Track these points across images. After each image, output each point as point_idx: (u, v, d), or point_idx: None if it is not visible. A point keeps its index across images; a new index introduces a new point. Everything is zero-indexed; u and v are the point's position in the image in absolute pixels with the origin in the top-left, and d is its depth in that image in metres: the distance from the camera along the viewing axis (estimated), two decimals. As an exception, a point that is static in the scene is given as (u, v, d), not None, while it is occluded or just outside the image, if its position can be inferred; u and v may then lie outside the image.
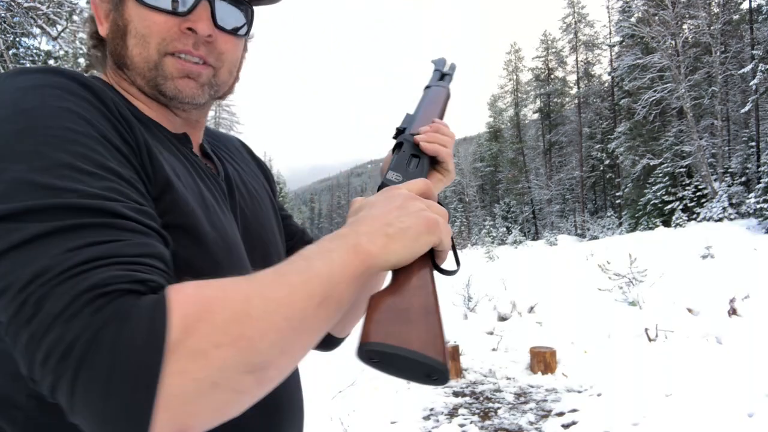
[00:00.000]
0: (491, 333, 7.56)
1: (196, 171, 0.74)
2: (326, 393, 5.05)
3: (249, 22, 0.78)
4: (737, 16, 28.81)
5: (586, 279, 9.97)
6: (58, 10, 10.16)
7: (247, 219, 0.82)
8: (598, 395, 4.93)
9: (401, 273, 0.66)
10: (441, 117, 0.98)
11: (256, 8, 0.80)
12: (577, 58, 46.16)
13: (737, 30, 28.85)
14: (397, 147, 0.90)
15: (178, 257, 0.60)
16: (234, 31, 0.75)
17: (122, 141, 0.59)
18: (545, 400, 5.09)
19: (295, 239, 0.99)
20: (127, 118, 0.62)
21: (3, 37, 9.61)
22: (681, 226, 21.68)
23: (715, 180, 25.00)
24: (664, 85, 27.87)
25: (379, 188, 0.79)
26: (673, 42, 27.00)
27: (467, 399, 5.30)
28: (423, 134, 0.88)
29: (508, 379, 5.89)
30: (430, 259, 0.70)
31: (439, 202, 0.83)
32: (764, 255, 11.04)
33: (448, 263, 0.76)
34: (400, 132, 0.93)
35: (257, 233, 0.83)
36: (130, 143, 0.60)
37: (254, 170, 0.96)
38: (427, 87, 1.05)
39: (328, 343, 0.97)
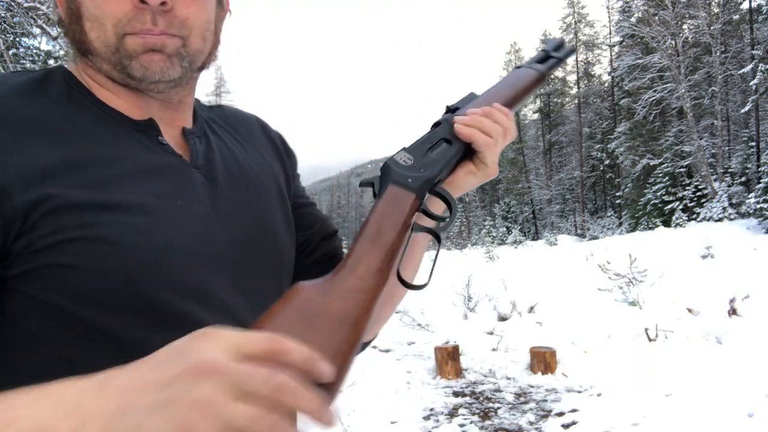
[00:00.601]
0: (491, 333, 7.55)
1: (155, 161, 0.66)
2: (326, 393, 5.04)
3: None
4: (737, 16, 28.80)
5: (586, 279, 9.96)
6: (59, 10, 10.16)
7: (236, 206, 0.72)
8: (598, 395, 4.94)
9: (345, 266, 0.58)
10: (512, 103, 0.85)
11: None
12: (577, 58, 46.12)
13: (737, 30, 28.84)
14: (434, 127, 0.80)
15: (84, 270, 0.57)
16: None
17: None
18: (545, 400, 5.09)
19: (314, 229, 0.90)
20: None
21: (3, 37, 9.61)
22: (681, 226, 21.66)
23: (715, 180, 24.99)
24: (664, 85, 27.85)
25: (381, 170, 0.71)
26: (673, 42, 26.98)
27: (467, 399, 5.30)
28: (465, 116, 0.77)
29: (508, 379, 5.88)
30: (398, 261, 0.63)
31: (449, 205, 0.74)
32: (764, 255, 11.04)
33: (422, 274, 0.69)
34: (449, 111, 0.81)
35: (245, 220, 0.73)
36: None
37: (264, 152, 0.86)
38: (518, 67, 0.92)
39: None
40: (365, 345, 0.90)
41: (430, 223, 0.74)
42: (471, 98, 0.84)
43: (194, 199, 0.68)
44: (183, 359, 0.40)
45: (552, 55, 0.96)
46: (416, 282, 0.72)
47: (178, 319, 0.60)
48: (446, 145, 0.77)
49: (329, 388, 0.45)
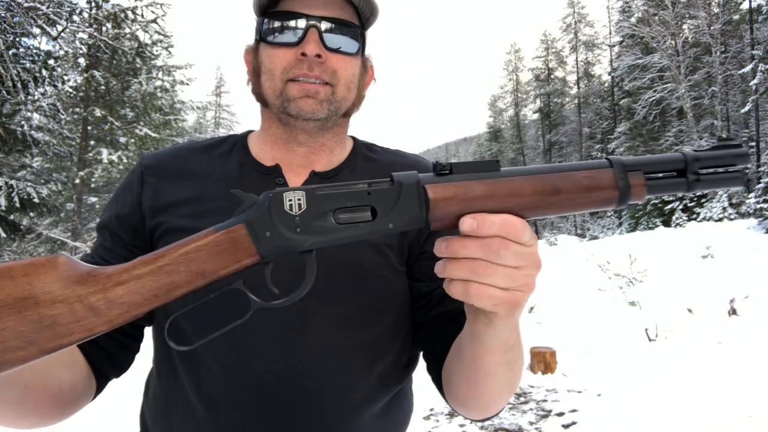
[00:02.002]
0: (491, 333, 7.55)
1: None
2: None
3: (360, 42, 0.86)
4: (737, 16, 28.79)
5: (586, 279, 9.96)
6: (58, 10, 10.17)
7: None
8: (598, 395, 4.93)
9: (108, 276, 0.49)
10: (539, 209, 0.55)
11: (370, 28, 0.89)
12: (577, 58, 46.15)
13: (737, 30, 28.83)
14: (389, 181, 0.53)
15: None
16: (344, 51, 0.84)
17: (129, 212, 0.87)
18: (545, 400, 5.09)
19: (439, 282, 0.79)
20: (150, 183, 0.88)
21: (3, 37, 9.60)
22: (681, 226, 21.67)
23: (715, 180, 24.96)
24: (664, 85, 27.86)
25: (261, 197, 0.53)
26: (673, 42, 26.99)
27: (467, 399, 5.29)
28: (465, 223, 0.51)
29: (508, 379, 5.88)
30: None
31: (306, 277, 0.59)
32: (764, 255, 11.04)
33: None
34: (438, 168, 0.54)
35: (342, 259, 0.81)
36: (133, 208, 0.87)
37: None
38: (608, 160, 0.57)
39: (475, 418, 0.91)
40: (483, 419, 0.88)
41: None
42: (480, 168, 0.54)
43: None
44: None
45: (697, 168, 0.56)
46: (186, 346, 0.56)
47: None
48: (368, 217, 0.52)
49: None
